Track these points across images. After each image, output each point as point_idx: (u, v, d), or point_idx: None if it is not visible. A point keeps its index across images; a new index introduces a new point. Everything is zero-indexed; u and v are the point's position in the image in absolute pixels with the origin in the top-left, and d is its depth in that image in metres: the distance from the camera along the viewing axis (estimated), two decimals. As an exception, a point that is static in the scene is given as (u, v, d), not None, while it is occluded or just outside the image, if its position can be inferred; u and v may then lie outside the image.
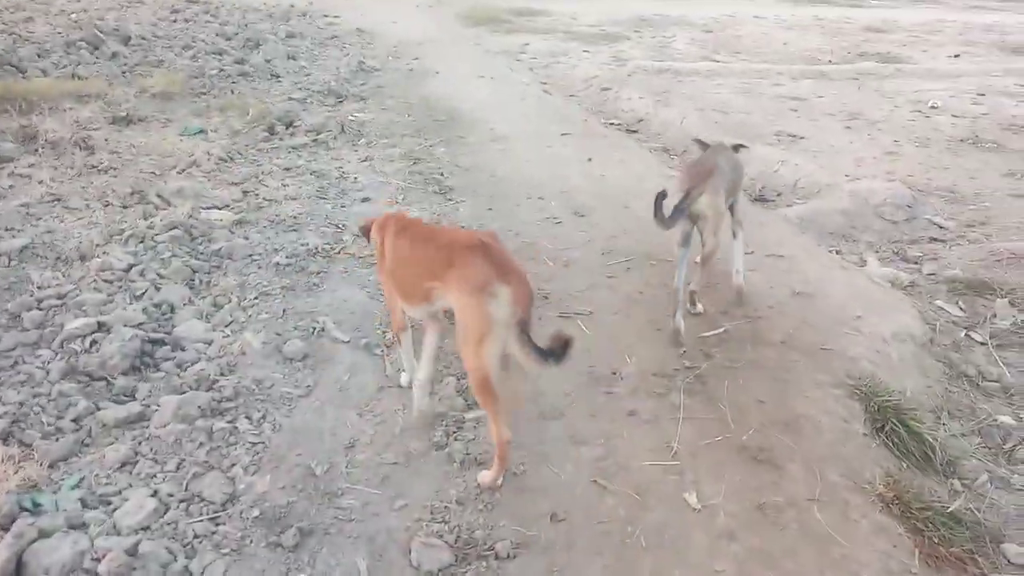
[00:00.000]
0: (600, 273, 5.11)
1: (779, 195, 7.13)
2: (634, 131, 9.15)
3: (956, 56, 14.86)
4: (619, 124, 9.43)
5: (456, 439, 3.41)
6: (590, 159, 7.58)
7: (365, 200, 6.27)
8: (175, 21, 14.17)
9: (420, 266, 3.14)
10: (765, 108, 9.91)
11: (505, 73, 11.62)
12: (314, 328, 4.22)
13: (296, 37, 13.36)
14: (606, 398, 3.76)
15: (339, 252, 5.24)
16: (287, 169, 6.92)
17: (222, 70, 10.44)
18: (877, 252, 5.91)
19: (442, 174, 6.93)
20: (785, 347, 4.27)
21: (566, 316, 4.50)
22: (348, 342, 4.13)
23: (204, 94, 9.40)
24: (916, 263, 5.74)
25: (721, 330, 4.43)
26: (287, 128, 8.07)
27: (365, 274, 4.90)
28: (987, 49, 15.87)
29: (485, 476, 3.12)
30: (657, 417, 3.62)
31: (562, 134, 8.46)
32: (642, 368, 4.00)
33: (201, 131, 8.04)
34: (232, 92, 9.62)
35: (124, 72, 10.11)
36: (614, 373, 3.96)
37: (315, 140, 7.75)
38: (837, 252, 5.84)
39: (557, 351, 2.72)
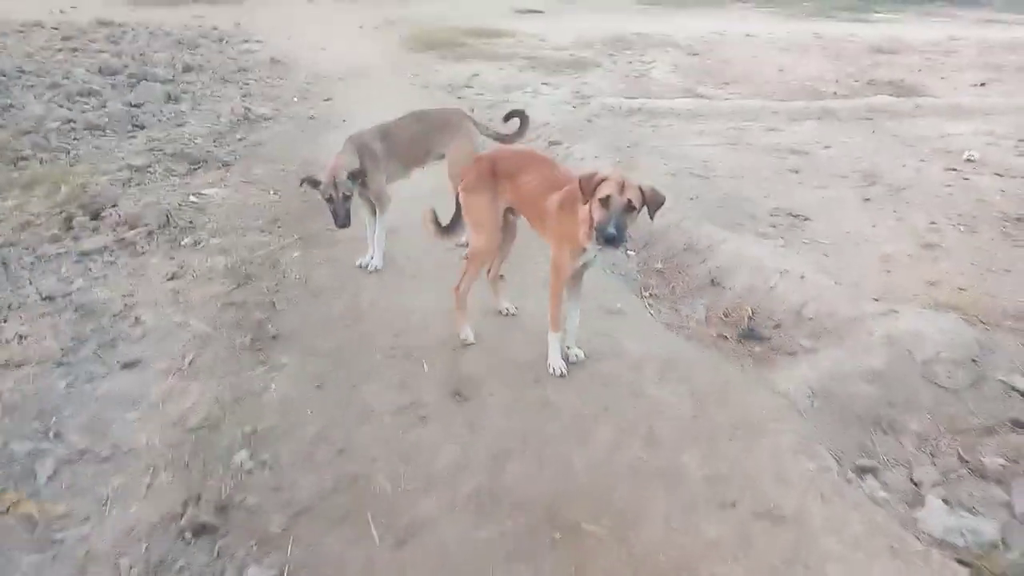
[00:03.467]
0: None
1: (777, 327, 4.84)
2: (582, 208, 6.85)
3: (982, 85, 12.63)
4: (564, 196, 7.13)
5: None
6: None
7: (130, 366, 3.98)
8: (60, 51, 11.92)
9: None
10: (758, 168, 7.64)
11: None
12: None
13: (193, 71, 11.13)
14: None
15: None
16: (48, 299, 4.65)
17: (70, 121, 8.18)
18: (935, 463, 3.61)
19: (273, 307, 4.65)
20: None
21: None
22: None
23: (23, 159, 7.12)
24: (1000, 482, 3.46)
25: None
26: (92, 219, 5.79)
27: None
28: (1015, 75, 13.62)
29: None
30: None
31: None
32: None
33: (-27, 224, 5.77)
34: (67, 154, 7.36)
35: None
36: None
37: (120, 241, 5.48)
38: (868, 473, 3.53)
39: None
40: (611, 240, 3.37)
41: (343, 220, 4.75)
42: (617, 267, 5.70)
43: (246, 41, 13.75)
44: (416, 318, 4.57)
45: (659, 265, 5.80)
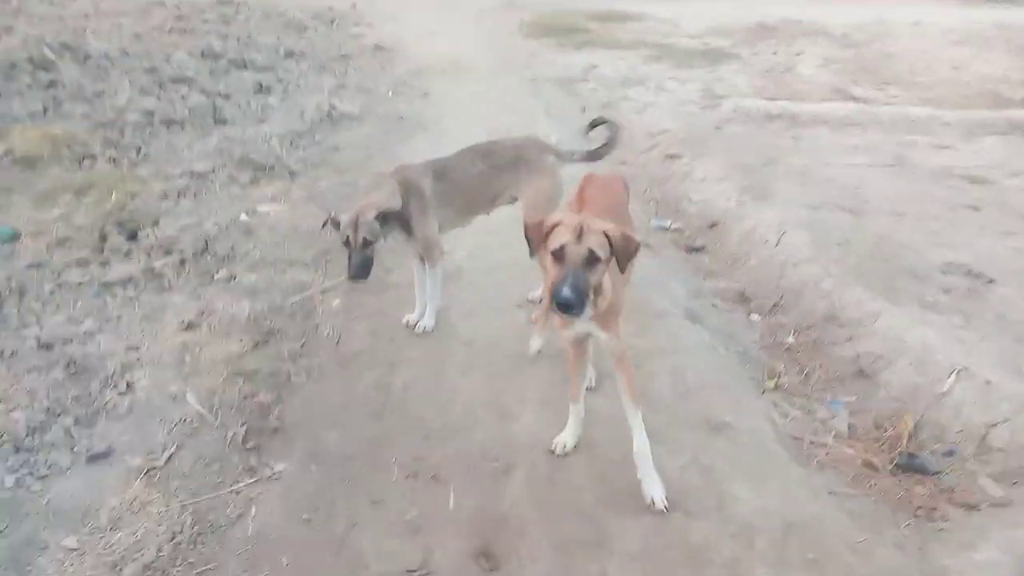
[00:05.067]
0: None
1: (950, 455, 3.52)
2: (697, 249, 5.63)
3: None
4: (675, 232, 5.92)
5: None
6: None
7: (98, 459, 3.23)
8: (170, 32, 11.65)
9: None
10: (925, 202, 6.09)
11: (532, 123, 8.22)
12: None
13: (294, 57, 10.54)
14: None
15: None
16: (45, 347, 3.99)
17: (150, 113, 7.69)
18: None
19: (288, 380, 3.78)
20: None
21: None
22: None
23: (90, 156, 6.64)
24: None
25: None
26: (128, 238, 5.14)
27: None
28: None
29: None
30: None
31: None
32: None
33: (14, 236, 5.27)
34: (136, 153, 6.84)
35: (36, 113, 7.58)
36: None
37: (148, 271, 4.78)
38: None
39: None
40: (565, 306, 2.54)
41: (356, 271, 3.73)
42: (732, 339, 4.46)
43: (357, 24, 13.09)
44: (457, 411, 3.56)
45: (790, 339, 4.52)
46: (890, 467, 3.46)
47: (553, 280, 2.59)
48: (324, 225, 3.86)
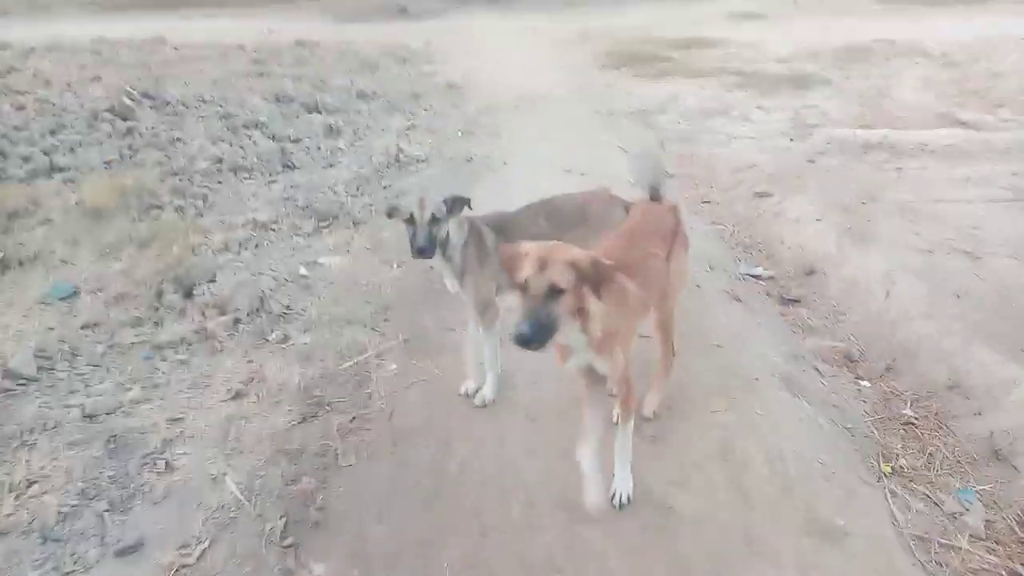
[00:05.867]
0: None
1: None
2: (793, 301, 5.06)
3: None
4: (767, 280, 5.36)
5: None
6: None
7: (126, 553, 2.96)
8: (247, 76, 11.82)
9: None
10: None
11: (612, 158, 7.79)
12: None
13: (365, 98, 10.46)
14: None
15: None
16: (88, 418, 3.79)
17: (219, 161, 7.64)
18: None
19: (336, 461, 3.43)
20: None
21: None
22: None
23: (157, 207, 6.59)
24: None
25: None
26: (185, 296, 4.96)
27: None
28: None
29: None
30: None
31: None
32: None
33: (74, 293, 5.20)
34: (203, 201, 6.76)
35: (113, 161, 7.69)
36: None
37: (201, 332, 4.56)
38: None
39: None
40: (523, 341, 2.44)
41: (422, 243, 3.38)
42: (838, 411, 3.89)
43: (429, 62, 12.99)
44: (519, 504, 3.13)
45: (907, 411, 3.91)
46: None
47: (519, 313, 2.51)
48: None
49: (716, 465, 3.23)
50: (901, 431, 3.78)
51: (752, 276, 5.42)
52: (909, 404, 3.96)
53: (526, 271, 2.50)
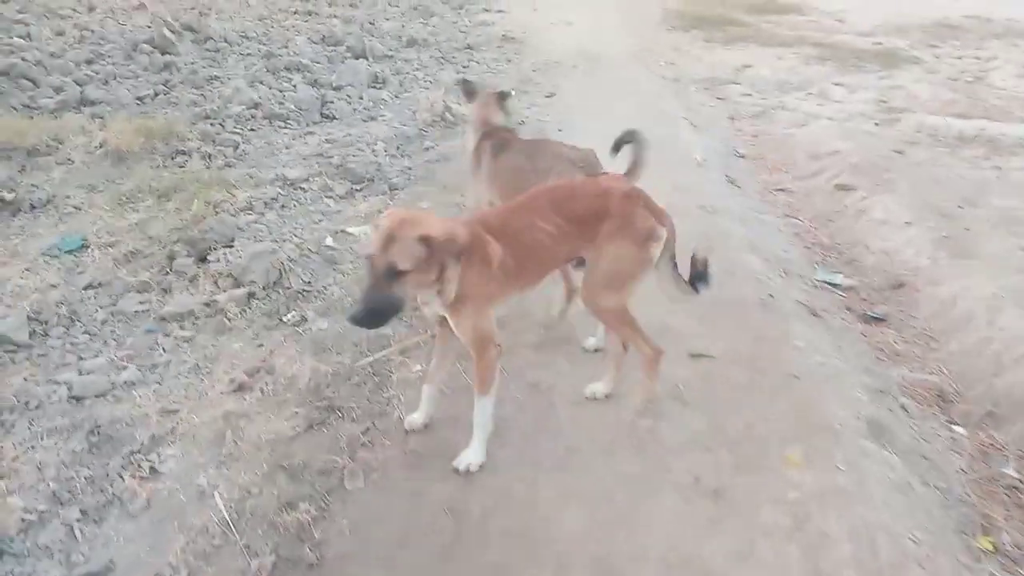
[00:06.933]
0: None
1: None
2: (878, 319, 4.43)
3: None
4: (846, 291, 4.72)
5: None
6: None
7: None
8: (295, 13, 11.25)
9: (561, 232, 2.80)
10: None
11: (674, 134, 7.08)
12: None
13: (415, 46, 9.80)
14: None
15: None
16: (74, 400, 3.39)
17: (255, 106, 7.15)
18: None
19: (341, 484, 2.97)
20: None
21: None
22: None
23: (183, 153, 6.13)
24: None
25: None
26: (197, 263, 4.51)
27: None
28: None
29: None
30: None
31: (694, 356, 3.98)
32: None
33: (82, 246, 4.80)
34: (234, 149, 6.29)
35: (145, 98, 7.25)
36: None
37: (210, 305, 4.11)
38: None
39: (703, 275, 2.85)
40: (354, 323, 2.47)
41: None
42: (929, 465, 3.31)
43: (487, 10, 12.23)
44: (549, 562, 2.63)
45: (1012, 471, 3.32)
46: None
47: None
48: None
49: (788, 538, 2.68)
50: (1004, 496, 3.20)
51: (830, 284, 4.79)
52: (1013, 462, 3.37)
53: (372, 246, 2.40)
